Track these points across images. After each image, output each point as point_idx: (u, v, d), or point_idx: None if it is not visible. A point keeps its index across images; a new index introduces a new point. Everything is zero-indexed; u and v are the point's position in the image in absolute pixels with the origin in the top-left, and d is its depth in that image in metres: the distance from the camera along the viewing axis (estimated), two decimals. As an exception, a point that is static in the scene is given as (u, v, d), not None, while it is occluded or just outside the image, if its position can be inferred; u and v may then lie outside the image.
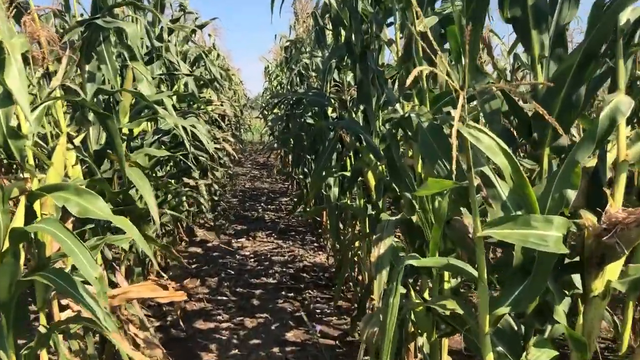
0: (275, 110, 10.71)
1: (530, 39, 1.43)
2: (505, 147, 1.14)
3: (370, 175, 3.14)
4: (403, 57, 2.27)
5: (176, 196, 4.86)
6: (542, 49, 1.43)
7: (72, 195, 1.82)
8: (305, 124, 5.65)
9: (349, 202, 4.19)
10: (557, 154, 1.49)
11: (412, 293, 2.00)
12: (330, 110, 4.61)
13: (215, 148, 6.17)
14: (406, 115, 1.75)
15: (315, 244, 5.87)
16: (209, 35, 7.30)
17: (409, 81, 1.10)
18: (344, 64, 4.18)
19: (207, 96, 6.57)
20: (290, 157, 9.47)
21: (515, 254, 1.31)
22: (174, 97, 5.13)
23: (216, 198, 6.56)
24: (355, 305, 3.86)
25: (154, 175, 4.28)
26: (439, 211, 1.50)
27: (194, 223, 6.67)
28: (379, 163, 2.84)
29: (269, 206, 8.37)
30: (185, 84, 6.49)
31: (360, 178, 3.28)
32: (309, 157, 5.72)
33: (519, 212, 1.33)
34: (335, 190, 3.91)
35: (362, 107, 3.38)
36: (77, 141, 2.35)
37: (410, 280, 2.15)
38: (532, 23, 1.42)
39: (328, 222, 4.19)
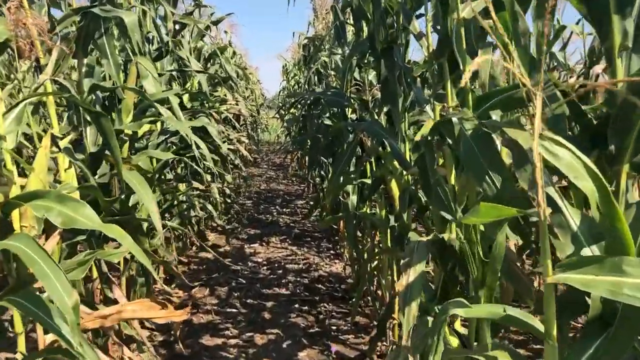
0: (292, 111, 10.47)
1: (609, 26, 1.13)
2: (594, 167, 0.85)
3: (393, 184, 2.85)
4: (436, 51, 1.97)
5: (186, 200, 4.62)
6: (625, 38, 1.13)
7: (54, 203, 1.56)
8: (323, 125, 5.37)
9: (368, 210, 3.90)
10: (638, 171, 1.19)
11: (446, 328, 1.70)
12: (349, 111, 4.35)
13: (228, 149, 5.93)
14: (446, 119, 1.45)
15: (332, 252, 5.58)
16: (225, 32, 7.08)
17: (467, 76, 0.82)
18: (365, 61, 3.91)
19: (221, 95, 6.32)
20: (306, 159, 9.24)
21: (591, 302, 1.02)
22: (186, 96, 4.90)
23: (229, 201, 6.31)
24: (374, 322, 3.57)
25: (161, 178, 4.04)
26: (496, 251, 1.19)
27: (205, 226, 6.43)
28: (404, 172, 2.56)
29: (284, 209, 8.11)
30: (199, 83, 6.28)
31: (382, 186, 3.00)
32: (325, 160, 5.44)
33: (594, 247, 1.04)
34: (353, 198, 3.62)
35: (385, 109, 3.09)
36: (65, 142, 2.09)
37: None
38: (613, 5, 1.12)
39: (345, 230, 3.89)
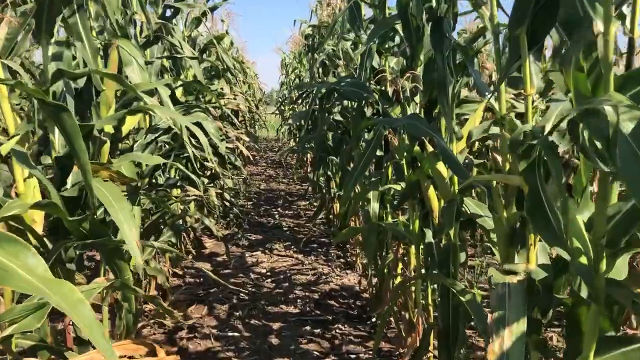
0: (294, 106, 9.94)
1: None
2: None
3: (432, 193, 2.34)
4: (513, 20, 1.47)
5: (181, 209, 4.10)
6: None
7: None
8: (333, 121, 4.86)
9: (390, 217, 3.38)
10: None
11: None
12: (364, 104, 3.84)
13: (227, 148, 5.41)
14: (588, 109, 0.94)
15: (342, 260, 5.07)
16: (222, 20, 6.55)
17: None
18: (386, 46, 3.40)
19: (218, 88, 5.79)
20: (308, 156, 8.70)
21: None
22: (180, 89, 4.38)
23: (228, 204, 5.79)
24: (401, 350, 3.07)
25: (152, 183, 3.53)
26: None
27: (203, 232, 5.92)
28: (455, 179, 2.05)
29: (287, 211, 7.59)
30: (195, 75, 5.75)
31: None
32: (334, 158, 4.93)
33: None
34: (375, 206, 3.11)
35: (417, 100, 2.58)
36: (14, 143, 1.57)
37: None
38: None
39: (363, 244, 3.38)
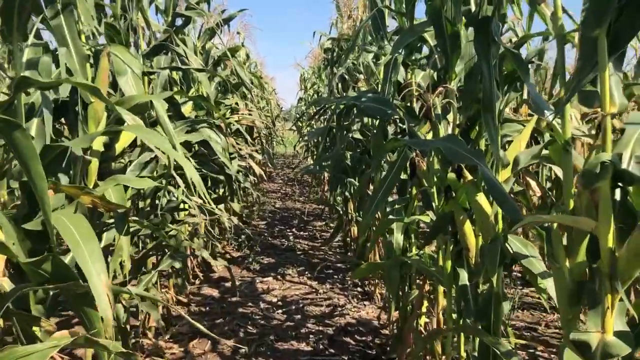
0: (311, 122, 9.63)
1: None
2: None
3: (468, 228, 1.98)
4: (590, 20, 1.15)
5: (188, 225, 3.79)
6: None
7: None
8: (352, 139, 4.53)
9: (415, 250, 3.02)
10: None
11: None
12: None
13: (239, 166, 5.10)
14: None
15: (359, 289, 4.70)
16: (238, 32, 6.29)
17: None
18: (413, 58, 3.07)
19: (232, 103, 5.50)
20: (325, 174, 8.36)
21: None
22: (189, 104, 4.09)
23: (241, 225, 5.47)
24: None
25: (155, 204, 3.22)
26: None
27: (212, 254, 5.59)
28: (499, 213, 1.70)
29: (301, 232, 7.24)
30: (212, 89, 5.47)
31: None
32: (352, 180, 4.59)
33: None
34: (398, 237, 2.76)
35: (450, 118, 2.24)
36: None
37: None
38: None
39: (386, 279, 3.01)
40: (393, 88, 2.81)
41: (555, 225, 1.39)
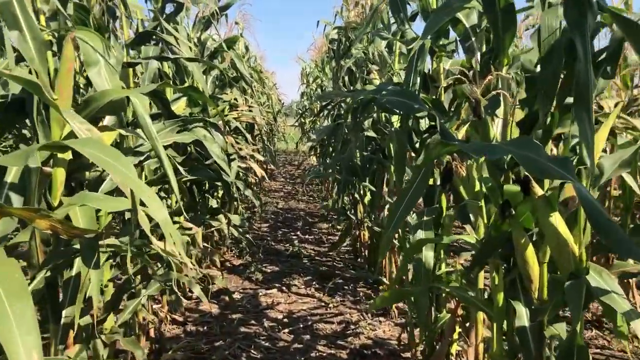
0: (316, 119, 9.19)
1: None
2: None
3: (531, 254, 1.55)
4: None
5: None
6: None
7: None
8: (365, 138, 4.10)
9: (444, 267, 2.60)
10: None
11: None
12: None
13: (239, 167, 4.67)
14: None
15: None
16: (236, 23, 5.84)
17: None
18: (441, 43, 2.65)
19: (230, 99, 5.05)
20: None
21: None
22: (183, 100, 3.67)
23: (241, 230, 5.03)
24: None
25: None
26: None
27: (212, 262, 5.16)
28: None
29: (307, 235, 6.81)
30: (209, 83, 5.03)
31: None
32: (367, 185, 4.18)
33: None
34: (428, 257, 2.32)
35: (500, 114, 1.80)
36: None
37: None
38: None
39: (414, 305, 2.58)
40: (420, 78, 2.38)
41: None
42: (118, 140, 2.37)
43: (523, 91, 1.73)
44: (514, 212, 1.56)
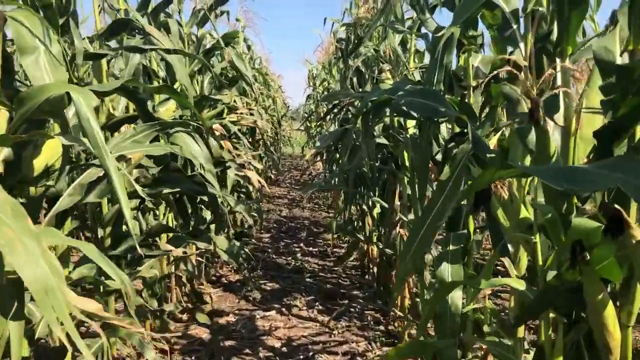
0: (322, 123, 8.77)
1: None
2: None
3: (610, 315, 1.12)
4: None
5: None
6: None
7: None
8: (375, 145, 3.66)
9: (471, 305, 2.16)
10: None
11: None
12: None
13: (236, 175, 4.24)
14: None
15: (382, 328, 3.83)
16: (237, 19, 5.42)
17: None
18: (471, 34, 2.22)
19: (229, 101, 4.63)
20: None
21: None
22: (172, 103, 3.28)
23: (238, 243, 4.60)
24: None
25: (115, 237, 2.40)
26: None
27: (206, 278, 4.74)
28: None
29: (311, 248, 6.38)
30: (201, 83, 4.63)
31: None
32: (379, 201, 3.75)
33: None
34: (456, 298, 1.88)
35: (558, 119, 1.37)
36: None
37: None
38: None
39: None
40: (445, 76, 1.96)
41: None
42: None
43: (592, 90, 1.30)
44: (587, 257, 1.12)
